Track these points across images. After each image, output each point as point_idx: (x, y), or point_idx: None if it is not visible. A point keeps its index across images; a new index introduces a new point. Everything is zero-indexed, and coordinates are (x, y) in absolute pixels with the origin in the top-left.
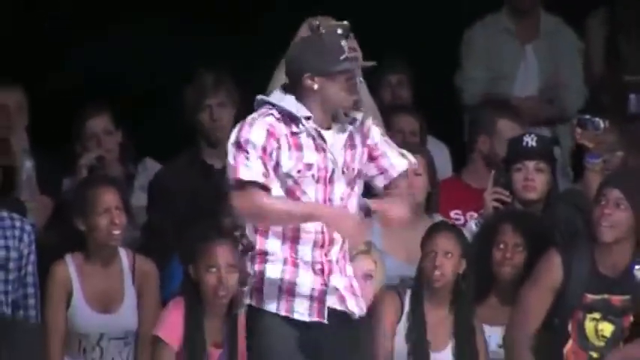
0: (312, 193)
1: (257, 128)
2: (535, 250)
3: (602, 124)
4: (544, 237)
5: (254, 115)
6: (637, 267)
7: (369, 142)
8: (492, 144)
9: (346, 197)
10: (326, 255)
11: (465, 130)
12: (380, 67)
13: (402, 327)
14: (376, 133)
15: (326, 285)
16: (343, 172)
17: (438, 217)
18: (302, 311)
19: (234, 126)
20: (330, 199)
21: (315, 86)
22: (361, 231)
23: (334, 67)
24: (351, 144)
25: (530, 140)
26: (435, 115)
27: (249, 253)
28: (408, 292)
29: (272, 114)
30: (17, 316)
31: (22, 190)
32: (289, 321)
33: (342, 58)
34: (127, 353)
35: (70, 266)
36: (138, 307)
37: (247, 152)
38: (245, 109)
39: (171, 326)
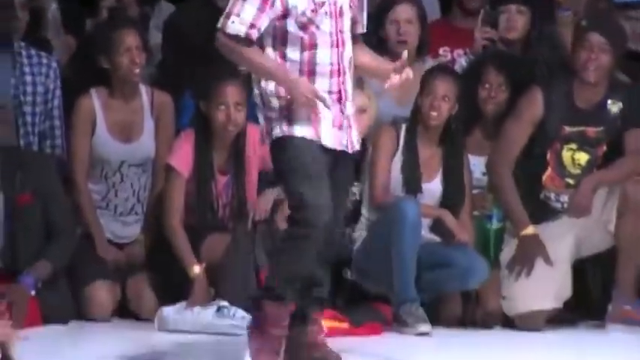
0: (325, 26)
1: None
2: (516, 89)
3: None
4: (525, 76)
5: None
6: (610, 101)
7: None
8: None
9: (348, 31)
10: (343, 84)
11: None
12: None
13: (398, 160)
14: None
15: (343, 113)
16: (350, 7)
17: (429, 61)
18: (327, 137)
19: None
20: (341, 31)
21: None
22: (311, 99)
23: None
24: None
25: None
26: None
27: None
28: (404, 128)
29: None
30: (44, 146)
31: (48, 30)
32: (315, 144)
33: None
34: (145, 179)
35: (95, 99)
36: (155, 137)
37: (244, 1)
38: None
39: (182, 155)
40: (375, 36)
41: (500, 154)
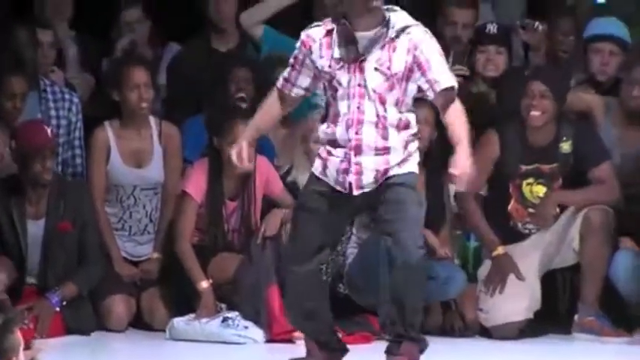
0: (344, 81)
1: (299, 40)
2: (483, 127)
3: (540, 27)
4: (489, 115)
5: None
6: (561, 140)
7: (416, 52)
8: (442, 28)
9: (383, 91)
10: (357, 133)
11: None
12: None
13: None
14: (427, 47)
15: (349, 159)
16: (376, 69)
17: None
18: (331, 178)
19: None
20: (359, 85)
21: None
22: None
23: None
24: (387, 44)
25: (492, 28)
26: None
27: None
28: None
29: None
30: (66, 172)
31: (70, 69)
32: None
33: None
34: (156, 201)
35: (109, 130)
36: (164, 164)
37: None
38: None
39: (196, 183)
40: None
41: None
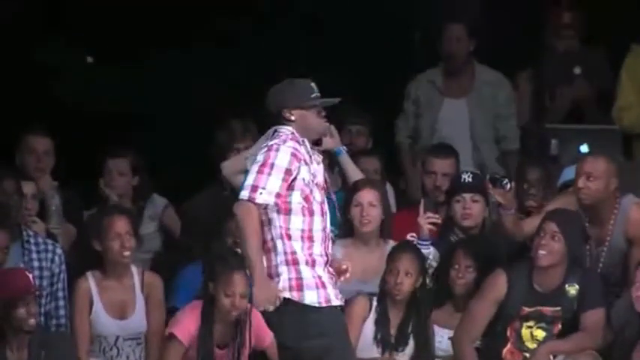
0: (318, 196)
1: (283, 153)
2: (484, 269)
3: (508, 185)
4: (490, 258)
5: (277, 141)
6: (568, 284)
7: None
8: (423, 179)
9: None
10: (327, 248)
11: None
12: (342, 117)
13: (371, 323)
14: None
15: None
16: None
17: (391, 243)
18: (332, 297)
19: None
20: (323, 202)
21: (293, 117)
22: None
23: (308, 102)
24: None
25: (467, 177)
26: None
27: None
28: (375, 299)
29: (295, 139)
30: (50, 324)
31: (52, 220)
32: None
33: (312, 95)
34: (140, 351)
35: (91, 281)
36: (146, 313)
37: (269, 175)
38: None
39: (185, 327)
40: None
41: (465, 331)
